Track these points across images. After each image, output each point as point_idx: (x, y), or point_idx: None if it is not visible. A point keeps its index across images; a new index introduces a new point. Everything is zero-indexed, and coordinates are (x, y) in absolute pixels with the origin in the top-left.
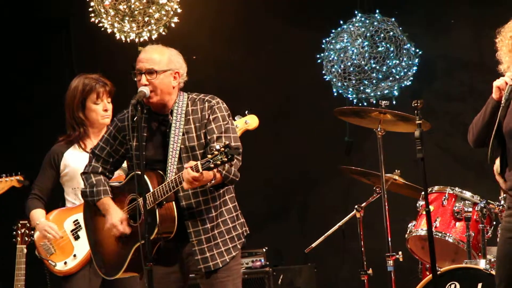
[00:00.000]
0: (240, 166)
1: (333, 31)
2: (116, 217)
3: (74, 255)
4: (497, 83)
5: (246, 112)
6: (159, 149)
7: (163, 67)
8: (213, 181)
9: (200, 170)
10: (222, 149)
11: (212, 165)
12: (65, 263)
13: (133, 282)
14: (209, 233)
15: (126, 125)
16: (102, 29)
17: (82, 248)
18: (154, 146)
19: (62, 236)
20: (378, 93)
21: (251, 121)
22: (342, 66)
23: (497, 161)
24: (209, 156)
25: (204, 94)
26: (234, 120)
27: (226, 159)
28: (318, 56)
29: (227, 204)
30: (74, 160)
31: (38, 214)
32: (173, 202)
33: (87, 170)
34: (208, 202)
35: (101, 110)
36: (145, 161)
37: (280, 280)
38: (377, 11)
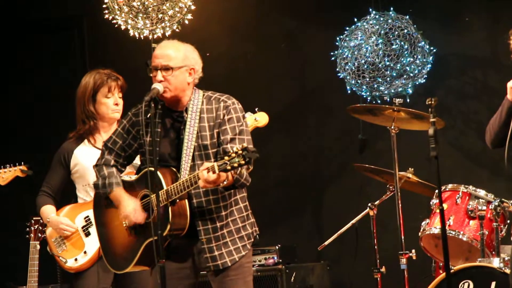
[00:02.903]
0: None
1: (347, 28)
2: (128, 207)
3: (85, 252)
4: (511, 84)
5: (256, 109)
6: (173, 146)
7: (179, 63)
8: (225, 183)
9: (217, 172)
10: (240, 151)
11: (229, 167)
12: (76, 259)
13: (144, 279)
14: (218, 232)
15: (140, 120)
16: (116, 26)
17: (92, 244)
18: (167, 142)
19: (77, 229)
20: (392, 91)
21: (261, 118)
22: (356, 63)
23: None
24: (226, 158)
25: (220, 93)
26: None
27: (243, 162)
28: (332, 53)
29: (237, 204)
30: (84, 157)
31: (48, 210)
32: (186, 200)
33: (99, 162)
34: (218, 201)
35: (112, 104)
36: (158, 157)
37: (292, 277)
38: (392, 8)
